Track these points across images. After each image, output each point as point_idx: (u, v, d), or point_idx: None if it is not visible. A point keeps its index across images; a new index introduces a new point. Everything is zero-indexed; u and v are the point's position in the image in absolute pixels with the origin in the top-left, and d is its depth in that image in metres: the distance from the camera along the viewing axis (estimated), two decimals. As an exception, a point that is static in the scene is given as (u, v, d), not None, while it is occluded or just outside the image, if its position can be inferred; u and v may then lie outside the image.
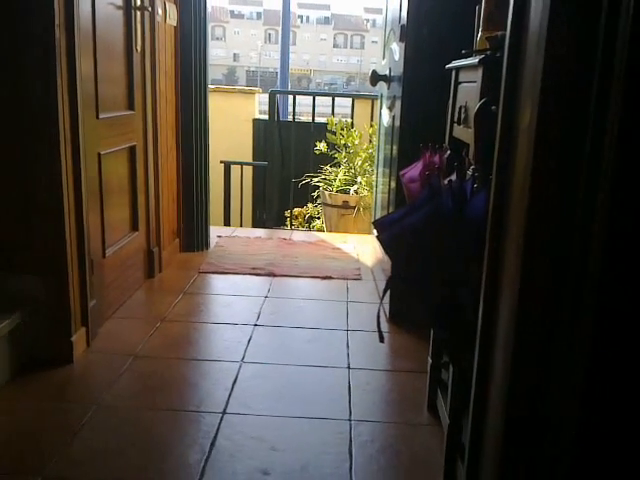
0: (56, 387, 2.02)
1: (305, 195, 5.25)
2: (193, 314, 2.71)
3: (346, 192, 4.88)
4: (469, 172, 1.49)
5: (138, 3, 2.69)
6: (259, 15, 56.86)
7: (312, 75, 55.54)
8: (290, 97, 6.04)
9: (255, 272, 3.28)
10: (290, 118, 5.63)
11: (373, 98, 5.19)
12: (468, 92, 1.52)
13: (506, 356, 1.02)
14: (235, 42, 54.88)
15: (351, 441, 1.79)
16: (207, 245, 3.70)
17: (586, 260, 0.88)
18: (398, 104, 2.60)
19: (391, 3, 3.01)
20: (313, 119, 5.14)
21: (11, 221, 2.08)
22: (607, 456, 0.95)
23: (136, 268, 2.91)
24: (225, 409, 1.92)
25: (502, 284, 1.06)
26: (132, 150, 2.75)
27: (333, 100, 5.31)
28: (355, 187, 4.87)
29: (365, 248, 3.85)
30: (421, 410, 1.97)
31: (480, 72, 1.36)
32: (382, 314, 2.70)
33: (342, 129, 5.09)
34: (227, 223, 5.23)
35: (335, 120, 5.13)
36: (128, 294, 2.81)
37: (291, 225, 5.21)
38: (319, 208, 5.29)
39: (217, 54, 50.29)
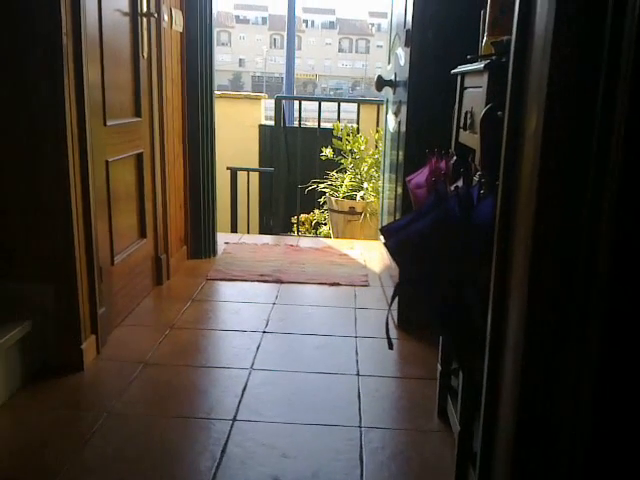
0: (67, 395, 2.03)
1: (311, 201, 5.25)
2: (202, 321, 2.71)
3: (352, 198, 4.88)
4: (475, 178, 1.49)
5: (144, 9, 2.71)
6: (264, 20, 57.06)
7: (317, 80, 55.64)
8: (296, 103, 6.06)
9: (263, 279, 3.29)
10: (296, 124, 5.64)
11: (379, 103, 5.19)
12: (474, 97, 1.52)
13: (516, 359, 1.01)
14: (241, 47, 55.08)
15: (362, 448, 1.79)
16: (214, 252, 3.71)
17: (594, 261, 0.88)
18: (404, 109, 2.60)
19: (396, 8, 3.02)
20: (319, 125, 5.15)
21: (20, 230, 2.09)
22: (620, 459, 0.95)
23: (144, 275, 2.92)
24: (235, 416, 1.93)
25: (511, 287, 1.06)
26: (139, 157, 2.76)
27: (339, 105, 5.31)
28: (361, 193, 4.87)
29: (372, 254, 3.85)
30: (431, 417, 1.97)
31: (486, 77, 1.36)
32: (391, 321, 2.70)
33: (348, 135, 5.09)
34: (234, 230, 5.25)
35: (341, 125, 5.13)
36: (136, 301, 2.82)
37: (298, 231, 5.22)
38: (325, 214, 5.29)
39: (223, 59, 50.48)
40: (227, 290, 3.15)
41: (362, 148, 5.06)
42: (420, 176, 1.81)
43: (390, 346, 1.57)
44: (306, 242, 4.23)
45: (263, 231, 5.86)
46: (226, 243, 3.97)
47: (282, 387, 2.14)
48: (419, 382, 2.21)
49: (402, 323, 2.67)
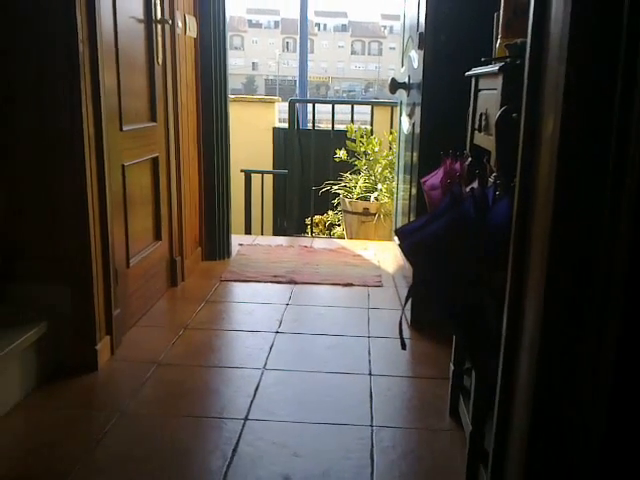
0: (81, 395, 2.05)
1: (325, 203, 5.26)
2: (215, 322, 2.73)
3: (366, 199, 4.89)
4: (490, 179, 1.49)
5: (159, 16, 2.73)
6: (277, 24, 57.21)
7: (330, 82, 55.68)
8: (309, 105, 6.07)
9: (276, 280, 3.30)
10: (310, 126, 5.65)
11: (392, 105, 5.19)
12: (488, 99, 1.52)
13: (531, 359, 1.01)
14: (253, 51, 55.26)
15: (372, 447, 1.79)
16: (229, 253, 3.72)
17: (612, 262, 0.88)
18: (418, 111, 2.60)
19: (409, 10, 3.02)
20: (333, 127, 5.16)
21: (37, 232, 2.12)
22: (635, 460, 0.94)
23: (159, 277, 2.94)
24: (247, 415, 1.94)
25: (527, 287, 1.06)
26: (155, 161, 2.79)
27: (352, 108, 5.32)
28: (375, 194, 4.87)
29: (386, 255, 3.85)
30: (443, 416, 1.97)
31: (500, 79, 1.36)
32: (404, 321, 2.70)
33: (362, 136, 5.09)
34: (248, 231, 5.26)
35: (354, 127, 5.14)
36: (151, 303, 2.84)
37: (312, 232, 5.23)
38: (339, 215, 5.29)
39: (236, 63, 50.63)
40: (241, 291, 3.17)
41: (376, 150, 5.06)
42: (435, 177, 1.81)
43: (403, 346, 1.57)
44: (320, 243, 4.23)
45: (277, 232, 5.87)
46: (240, 245, 3.98)
47: (294, 387, 2.15)
48: (431, 382, 2.21)
49: (415, 323, 2.67)
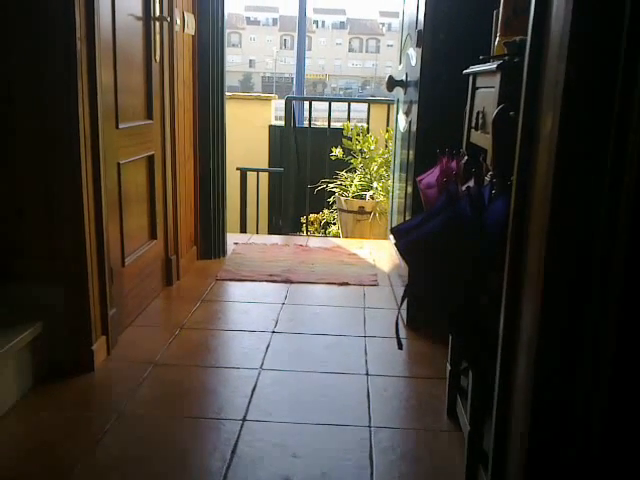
0: (77, 395, 2.03)
1: (321, 201, 5.25)
2: (211, 321, 2.72)
3: (362, 198, 4.88)
4: (487, 178, 1.48)
5: (157, 14, 2.72)
6: (275, 21, 57.16)
7: (327, 80, 55.67)
8: (306, 103, 6.06)
9: (272, 279, 3.29)
10: (306, 124, 5.65)
11: (389, 103, 5.19)
12: (486, 97, 1.51)
13: (529, 359, 1.01)
14: (251, 48, 55.19)
15: (371, 448, 1.78)
16: (224, 252, 3.71)
17: (610, 260, 0.88)
18: (415, 109, 2.60)
19: (407, 8, 3.01)
20: (329, 125, 5.15)
21: (32, 231, 2.10)
22: (635, 459, 0.94)
23: (154, 276, 2.93)
24: (245, 416, 1.93)
25: (524, 286, 1.05)
26: (150, 159, 2.77)
27: (349, 105, 5.31)
28: (371, 192, 4.86)
29: (381, 254, 3.85)
30: (440, 416, 1.96)
31: (498, 77, 1.35)
32: (400, 320, 2.70)
33: (358, 134, 5.08)
34: (243, 230, 5.25)
35: (351, 125, 5.13)
36: (147, 302, 2.83)
37: (307, 231, 5.22)
38: (335, 214, 5.29)
39: (233, 60, 50.57)
40: (236, 290, 3.15)
41: (372, 148, 5.05)
42: (431, 176, 1.81)
43: (399, 346, 1.57)
44: (315, 242, 4.22)
45: (272, 231, 5.86)
46: (235, 243, 3.97)
47: (291, 387, 2.14)
48: (428, 382, 2.20)
49: (411, 322, 2.66)
